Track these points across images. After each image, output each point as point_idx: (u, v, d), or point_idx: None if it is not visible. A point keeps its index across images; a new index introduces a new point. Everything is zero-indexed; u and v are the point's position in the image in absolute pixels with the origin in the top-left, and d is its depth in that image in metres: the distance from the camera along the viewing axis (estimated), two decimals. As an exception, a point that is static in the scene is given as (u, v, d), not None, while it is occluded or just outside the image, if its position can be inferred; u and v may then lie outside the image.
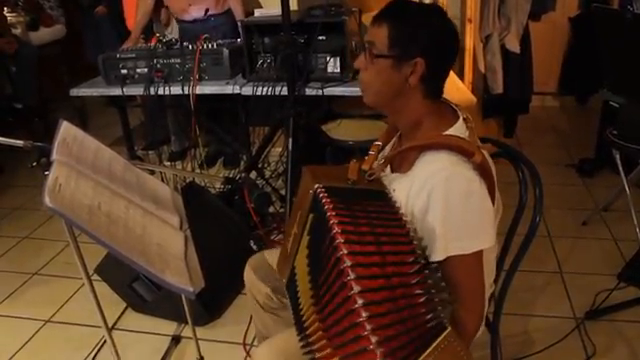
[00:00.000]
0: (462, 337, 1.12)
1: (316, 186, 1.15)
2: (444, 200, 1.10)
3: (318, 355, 1.08)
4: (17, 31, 4.29)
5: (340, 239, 1.02)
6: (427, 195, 1.12)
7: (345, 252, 1.01)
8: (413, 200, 1.16)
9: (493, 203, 1.18)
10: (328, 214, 1.07)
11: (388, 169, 1.29)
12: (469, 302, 1.16)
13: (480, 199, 1.13)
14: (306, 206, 1.20)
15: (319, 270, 1.11)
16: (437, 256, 1.13)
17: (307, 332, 1.14)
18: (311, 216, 1.19)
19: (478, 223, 1.14)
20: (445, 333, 1.01)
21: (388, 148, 1.37)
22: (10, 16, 4.23)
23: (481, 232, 1.15)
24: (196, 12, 3.28)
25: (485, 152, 1.17)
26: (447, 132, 1.19)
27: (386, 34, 1.16)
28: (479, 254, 1.15)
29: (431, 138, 1.18)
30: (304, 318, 1.17)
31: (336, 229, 1.04)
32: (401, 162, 1.25)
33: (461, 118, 1.22)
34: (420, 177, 1.15)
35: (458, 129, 1.20)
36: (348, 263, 1.00)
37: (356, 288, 0.98)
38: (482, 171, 1.13)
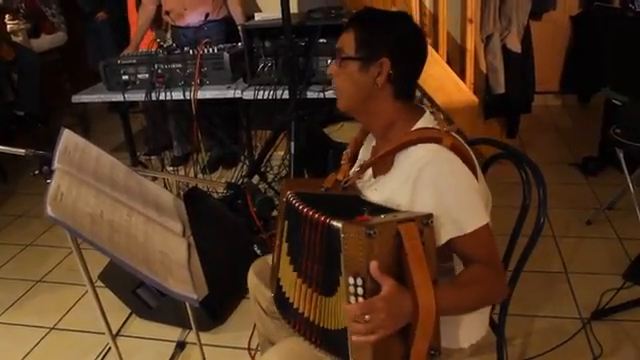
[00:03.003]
0: (480, 287, 1.13)
1: (288, 193, 1.23)
2: (432, 184, 1.13)
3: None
4: (18, 38, 4.29)
5: (311, 213, 1.12)
6: (411, 186, 1.15)
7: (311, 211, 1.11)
8: (398, 196, 1.19)
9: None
10: (299, 208, 1.15)
11: (370, 175, 1.33)
12: (487, 263, 1.15)
13: (467, 177, 1.17)
14: (282, 215, 1.29)
15: (300, 260, 1.20)
16: (440, 239, 1.13)
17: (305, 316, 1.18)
18: (286, 223, 1.27)
19: (470, 202, 1.16)
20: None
21: (361, 155, 1.42)
22: (11, 24, 4.24)
23: (474, 211, 1.16)
24: (190, 18, 3.29)
25: (457, 136, 1.22)
26: (416, 126, 1.24)
27: (353, 38, 1.23)
28: (485, 229, 1.16)
29: (402, 137, 1.22)
30: (300, 310, 1.21)
31: (308, 212, 1.13)
32: (380, 166, 1.29)
33: (428, 111, 1.27)
34: (401, 172, 1.20)
35: (426, 120, 1.25)
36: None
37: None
38: (457, 152, 1.17)
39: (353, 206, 1.15)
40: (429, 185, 1.13)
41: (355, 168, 1.34)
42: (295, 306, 1.26)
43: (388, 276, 1.02)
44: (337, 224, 1.05)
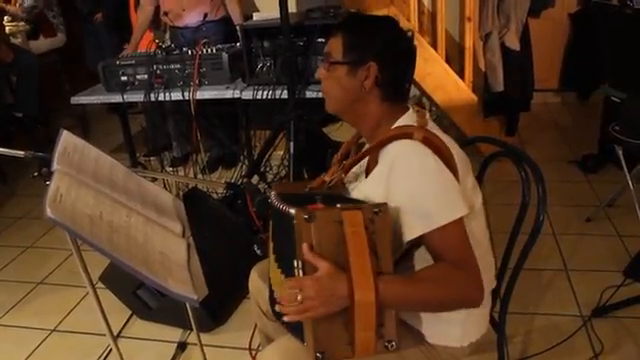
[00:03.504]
0: (441, 286, 1.11)
1: (272, 194, 1.25)
2: (402, 179, 1.15)
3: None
4: (17, 40, 4.30)
5: (280, 205, 1.15)
6: (385, 183, 1.17)
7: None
8: (373, 194, 1.20)
9: (456, 178, 1.18)
10: (276, 205, 1.17)
11: (362, 176, 1.35)
12: (458, 264, 1.12)
13: (438, 170, 1.15)
14: (270, 216, 1.31)
15: (284, 257, 1.22)
16: (415, 232, 1.13)
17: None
18: (271, 223, 1.30)
19: (445, 192, 1.15)
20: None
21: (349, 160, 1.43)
22: (10, 25, 4.24)
23: (448, 203, 1.14)
24: (189, 19, 3.29)
25: (436, 130, 1.22)
26: (396, 124, 1.25)
27: (341, 43, 1.25)
28: (458, 224, 1.13)
29: (380, 136, 1.24)
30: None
31: (279, 205, 1.15)
32: (369, 167, 1.31)
33: (411, 109, 1.28)
34: (377, 170, 1.23)
35: (407, 118, 1.26)
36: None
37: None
38: (429, 145, 1.16)
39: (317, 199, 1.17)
40: (399, 180, 1.15)
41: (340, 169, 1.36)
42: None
43: (323, 259, 1.05)
44: (292, 211, 1.08)
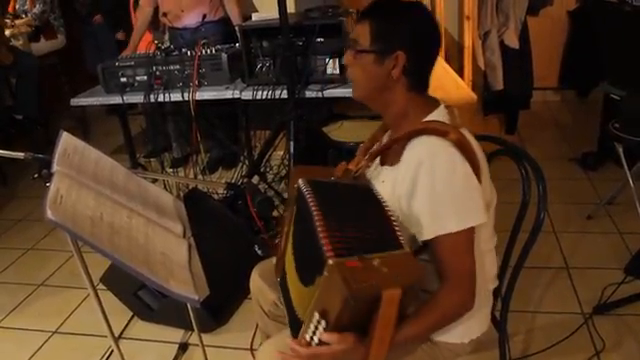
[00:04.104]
0: (437, 315, 1.14)
1: (300, 180, 1.21)
2: (430, 177, 1.13)
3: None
4: (18, 42, 4.30)
5: (315, 209, 1.09)
6: (412, 176, 1.15)
7: (319, 218, 1.06)
8: (399, 185, 1.19)
9: (480, 183, 1.18)
10: (307, 197, 1.14)
11: (377, 163, 1.33)
12: (453, 282, 1.15)
13: (465, 175, 1.15)
14: (292, 202, 1.27)
15: (301, 253, 1.19)
16: (426, 234, 1.15)
17: (298, 317, 1.16)
18: (294, 208, 1.25)
19: (464, 200, 1.15)
20: (401, 251, 1.06)
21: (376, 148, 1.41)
22: (11, 28, 4.24)
23: (468, 210, 1.15)
24: (188, 20, 3.29)
25: (467, 133, 1.20)
26: (427, 118, 1.23)
27: (368, 30, 1.21)
28: (468, 233, 1.15)
29: (411, 127, 1.21)
30: (294, 306, 1.20)
31: (313, 205, 1.10)
32: (390, 156, 1.29)
33: (442, 105, 1.26)
34: (405, 163, 1.20)
35: (439, 114, 1.24)
36: (322, 227, 1.05)
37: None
38: (461, 148, 1.15)
39: (359, 210, 1.14)
40: (426, 179, 1.13)
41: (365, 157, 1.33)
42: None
43: (349, 333, 1.03)
44: (329, 259, 1.00)
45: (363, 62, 1.23)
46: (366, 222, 1.11)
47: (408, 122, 1.24)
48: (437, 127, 1.17)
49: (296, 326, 1.17)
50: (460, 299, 1.16)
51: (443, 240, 1.14)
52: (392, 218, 1.13)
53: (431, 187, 1.13)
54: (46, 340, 2.34)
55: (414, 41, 1.20)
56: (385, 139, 1.38)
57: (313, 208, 1.10)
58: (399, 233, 1.09)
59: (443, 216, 1.13)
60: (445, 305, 1.15)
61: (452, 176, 1.14)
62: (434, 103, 1.27)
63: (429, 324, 1.16)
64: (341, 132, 2.75)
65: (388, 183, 1.24)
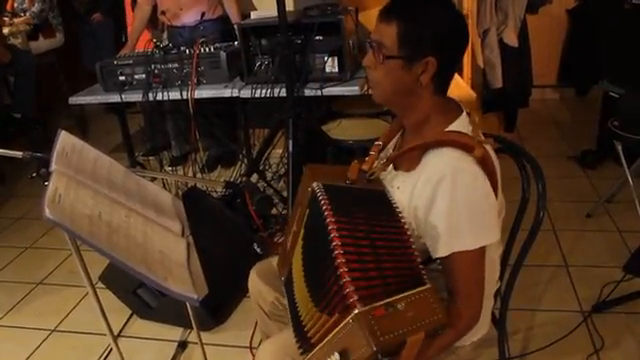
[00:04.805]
0: (452, 336, 1.13)
1: (314, 184, 1.17)
2: (450, 194, 1.10)
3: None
4: (17, 41, 4.29)
5: (335, 233, 1.04)
6: (432, 190, 1.11)
7: (340, 251, 1.02)
8: (417, 197, 1.16)
9: (496, 194, 1.17)
10: (324, 208, 1.09)
11: (391, 167, 1.29)
12: (463, 297, 1.14)
13: (485, 194, 1.13)
14: (305, 203, 1.23)
15: (313, 264, 1.15)
16: (441, 252, 1.13)
17: (305, 329, 1.14)
18: (307, 212, 1.22)
19: (483, 218, 1.13)
20: (423, 288, 1.02)
21: (390, 147, 1.37)
22: (9, 27, 4.23)
23: (485, 228, 1.14)
24: (186, 18, 3.29)
25: (489, 147, 1.16)
26: (450, 127, 1.18)
27: (395, 33, 1.11)
28: (482, 250, 1.14)
29: (434, 136, 1.16)
30: (300, 315, 1.18)
31: (331, 223, 1.06)
32: (405, 160, 1.24)
33: (464, 112, 1.22)
34: (425, 173, 1.15)
35: (461, 123, 1.19)
36: (344, 266, 1.01)
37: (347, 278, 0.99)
38: (484, 165, 1.12)
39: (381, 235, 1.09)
40: (447, 195, 1.10)
41: (381, 160, 1.27)
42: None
43: None
44: (355, 308, 0.96)
45: (388, 67, 1.14)
46: (388, 248, 1.07)
47: (429, 128, 1.19)
48: (464, 141, 1.12)
49: (299, 329, 1.16)
50: (471, 314, 1.16)
51: (457, 257, 1.12)
52: (408, 232, 1.10)
53: (450, 203, 1.10)
54: (45, 339, 2.34)
55: (445, 45, 1.12)
56: (397, 138, 1.35)
57: (332, 233, 1.05)
58: (419, 260, 1.07)
59: (460, 234, 1.11)
60: (458, 326, 1.14)
61: (473, 194, 1.11)
62: (457, 108, 1.22)
63: (445, 345, 1.14)
64: (340, 130, 2.74)
65: (405, 191, 1.19)
